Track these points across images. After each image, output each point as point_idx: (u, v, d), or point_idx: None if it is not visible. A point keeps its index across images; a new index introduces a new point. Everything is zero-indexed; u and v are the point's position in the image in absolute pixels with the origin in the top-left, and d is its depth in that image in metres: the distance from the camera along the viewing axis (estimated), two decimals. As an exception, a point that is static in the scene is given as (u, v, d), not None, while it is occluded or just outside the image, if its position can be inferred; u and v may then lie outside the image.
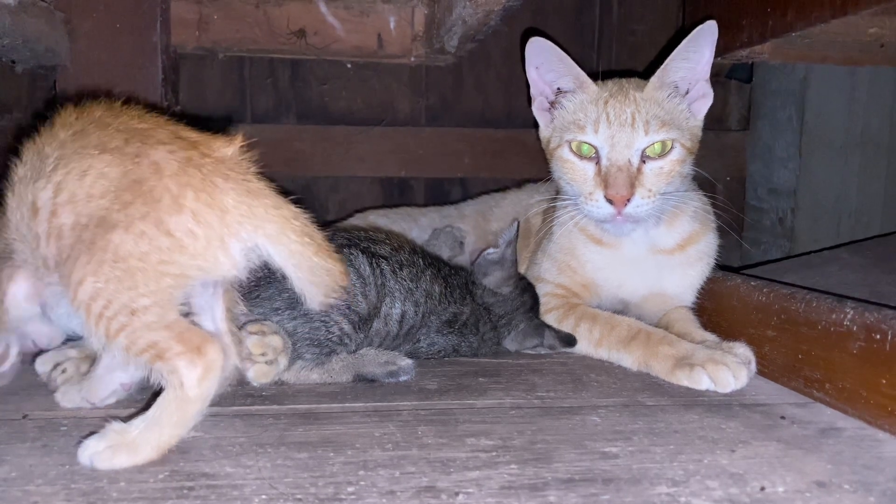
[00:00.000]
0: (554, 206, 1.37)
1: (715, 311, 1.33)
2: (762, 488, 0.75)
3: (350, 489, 0.73)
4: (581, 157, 1.25)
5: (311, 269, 0.84)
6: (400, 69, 1.99)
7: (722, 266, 1.41)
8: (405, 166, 2.01)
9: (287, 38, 1.86)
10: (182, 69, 1.88)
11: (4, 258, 0.88)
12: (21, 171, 0.84)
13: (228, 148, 0.85)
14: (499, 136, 2.03)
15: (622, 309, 1.36)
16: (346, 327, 1.09)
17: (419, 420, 0.94)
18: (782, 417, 0.98)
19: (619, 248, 1.33)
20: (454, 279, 1.25)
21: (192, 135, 0.86)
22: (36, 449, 0.83)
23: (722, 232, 1.41)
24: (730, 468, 0.80)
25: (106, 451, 0.77)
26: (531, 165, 1.88)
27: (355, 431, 0.90)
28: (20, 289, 0.88)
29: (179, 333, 0.78)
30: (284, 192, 0.87)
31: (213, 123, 0.94)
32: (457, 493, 0.73)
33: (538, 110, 1.36)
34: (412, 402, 1.01)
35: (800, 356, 1.08)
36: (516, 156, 2.01)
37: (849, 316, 0.98)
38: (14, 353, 0.95)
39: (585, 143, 1.24)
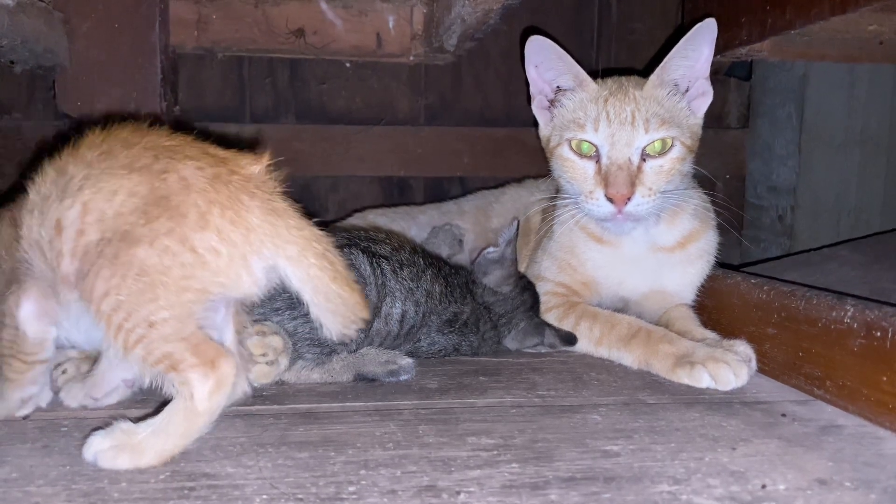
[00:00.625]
0: (554, 205, 1.37)
1: (715, 309, 1.33)
2: (763, 486, 0.75)
3: (351, 488, 0.73)
4: (581, 155, 1.25)
5: (327, 296, 0.84)
6: (399, 68, 1.99)
7: (722, 264, 1.41)
8: (404, 166, 2.00)
9: (286, 37, 1.86)
10: (181, 69, 1.87)
11: (11, 280, 0.88)
12: (43, 189, 0.84)
13: (255, 165, 0.86)
14: (498, 135, 2.03)
15: (622, 307, 1.36)
16: None
17: (420, 419, 0.94)
18: (783, 415, 0.98)
19: (620, 246, 1.33)
20: (454, 278, 1.25)
21: (220, 152, 0.87)
22: (37, 450, 0.83)
23: (722, 230, 1.41)
24: (731, 466, 0.80)
25: (110, 451, 0.77)
26: (531, 164, 1.88)
27: (356, 431, 0.90)
28: (30, 310, 0.88)
29: (195, 346, 0.78)
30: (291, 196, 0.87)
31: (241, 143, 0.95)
32: (458, 493, 0.73)
33: (538, 109, 1.36)
34: (413, 402, 1.01)
35: (800, 354, 1.08)
36: (516, 155, 2.01)
37: (849, 313, 0.98)
38: (34, 402, 0.95)
39: (585, 141, 1.24)
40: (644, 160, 1.22)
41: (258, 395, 1.03)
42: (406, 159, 2.00)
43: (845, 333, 0.99)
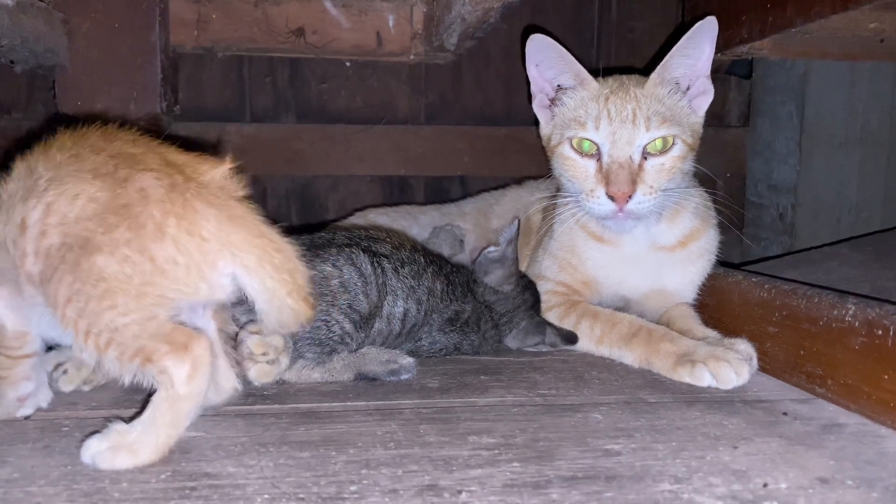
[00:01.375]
0: (554, 204, 1.36)
1: (716, 308, 1.33)
2: (765, 485, 0.75)
3: (352, 488, 0.73)
4: (582, 154, 1.25)
5: (280, 309, 0.84)
6: (399, 67, 1.99)
7: (723, 262, 1.41)
8: (405, 165, 2.00)
9: (286, 36, 1.86)
10: (181, 69, 1.87)
11: None
12: (11, 186, 0.84)
13: (216, 171, 0.85)
14: (499, 133, 2.02)
15: (623, 306, 1.35)
16: (348, 326, 1.09)
17: (421, 418, 0.94)
18: (784, 414, 0.98)
19: (620, 245, 1.33)
20: (455, 277, 1.25)
21: (181, 158, 0.86)
22: (38, 450, 0.83)
23: (722, 228, 1.41)
24: (732, 465, 0.80)
25: (108, 452, 0.78)
26: (531, 163, 1.88)
27: (357, 430, 0.90)
28: (3, 304, 0.88)
29: (166, 334, 0.79)
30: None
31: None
32: (459, 492, 0.73)
33: (538, 107, 1.36)
34: (414, 401, 1.01)
35: (801, 352, 1.08)
36: (516, 154, 2.01)
37: (850, 312, 0.98)
38: (33, 401, 0.95)
39: (586, 139, 1.24)
40: (645, 158, 1.21)
41: (259, 395, 1.03)
42: (406, 158, 2.00)
43: (847, 332, 0.99)
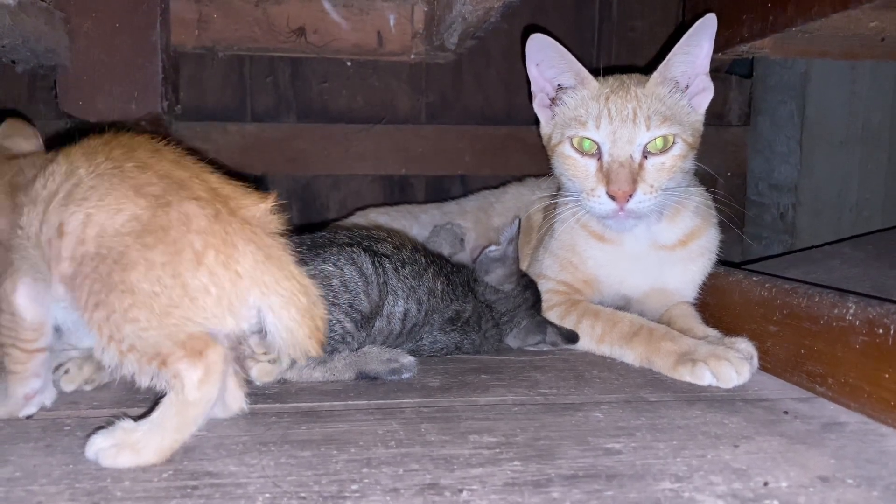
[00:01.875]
0: (555, 203, 1.37)
1: (717, 307, 1.33)
2: (765, 483, 0.75)
3: (354, 487, 0.73)
4: (582, 153, 1.25)
5: (295, 347, 0.86)
6: (400, 67, 1.99)
7: (723, 261, 1.41)
8: (405, 164, 2.00)
9: (287, 36, 1.86)
10: (182, 68, 1.87)
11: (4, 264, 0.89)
12: (51, 184, 0.85)
13: (259, 205, 0.88)
14: (499, 133, 2.03)
15: (624, 305, 1.36)
16: (349, 325, 1.09)
17: (422, 417, 0.94)
18: (785, 412, 0.98)
19: (621, 244, 1.33)
20: (456, 277, 1.25)
21: (227, 188, 0.88)
22: (39, 449, 0.83)
23: (723, 227, 1.41)
24: (733, 463, 0.80)
25: (111, 449, 0.78)
26: (532, 162, 1.88)
27: (358, 429, 0.90)
28: (27, 294, 0.88)
29: (183, 341, 0.80)
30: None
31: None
32: (460, 490, 0.73)
33: (539, 107, 1.36)
34: (415, 400, 1.01)
35: (802, 351, 1.08)
36: (517, 153, 2.01)
37: (851, 311, 0.98)
38: (38, 400, 0.95)
39: (587, 139, 1.24)
40: (646, 157, 1.21)
41: (260, 394, 1.03)
42: (407, 158, 2.00)
43: (847, 331, 0.99)
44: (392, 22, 1.88)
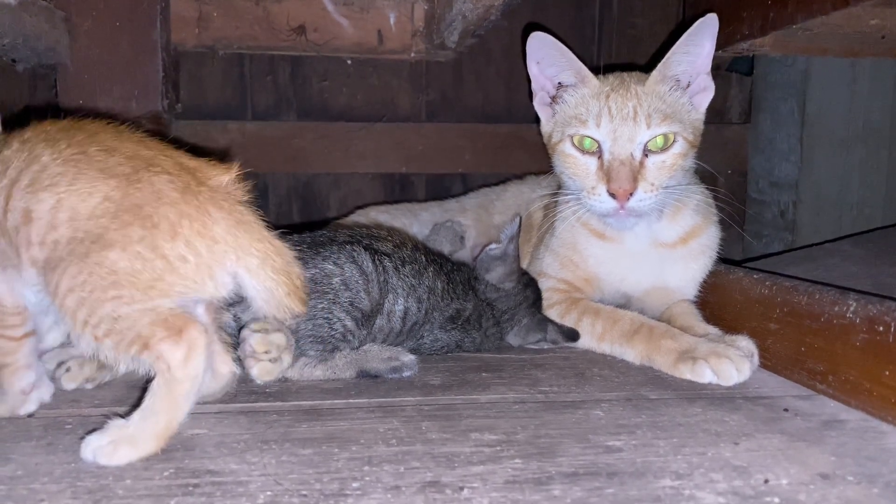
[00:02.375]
0: (556, 201, 1.37)
1: (718, 305, 1.33)
2: (766, 481, 0.75)
3: (355, 485, 0.74)
4: (583, 151, 1.25)
5: (278, 306, 0.88)
6: (400, 65, 1.99)
7: (724, 259, 1.41)
8: (406, 163, 2.01)
9: (287, 34, 1.86)
10: (182, 67, 1.88)
11: None
12: (11, 172, 0.84)
13: (224, 176, 0.89)
14: (500, 131, 2.03)
15: (625, 303, 1.36)
16: (349, 324, 1.09)
17: (423, 415, 0.94)
18: (785, 410, 0.98)
19: (622, 242, 1.33)
20: (456, 275, 1.25)
21: (192, 162, 0.90)
22: (41, 447, 0.83)
23: (724, 225, 1.41)
24: (733, 461, 0.80)
25: (108, 446, 0.78)
26: (532, 161, 1.88)
27: (359, 427, 0.90)
28: (1, 282, 0.88)
29: (163, 320, 0.80)
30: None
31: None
32: (461, 488, 0.73)
33: (539, 105, 1.36)
34: (416, 398, 1.02)
35: (803, 349, 1.08)
36: (517, 151, 2.01)
37: (852, 308, 0.98)
38: (36, 396, 0.95)
39: (587, 137, 1.24)
40: (646, 156, 1.21)
41: (261, 392, 1.03)
42: (407, 156, 2.00)
43: (848, 328, 0.99)
44: (392, 20, 1.88)
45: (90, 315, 0.79)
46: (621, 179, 1.19)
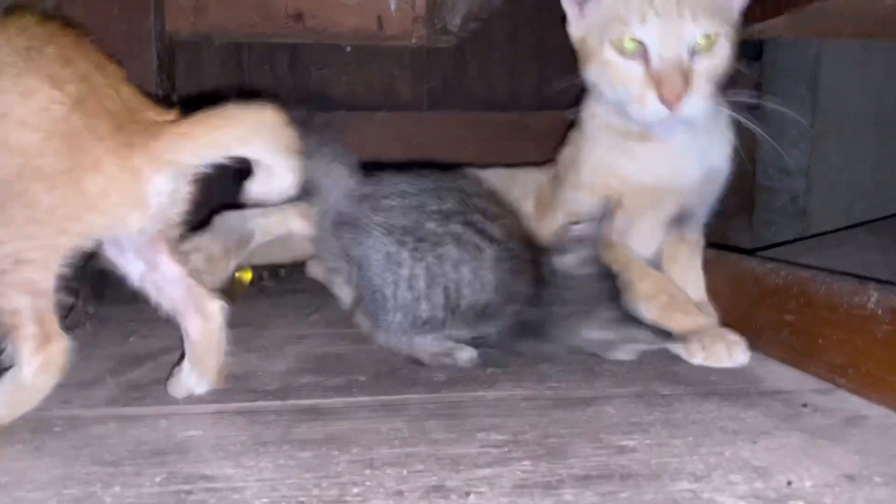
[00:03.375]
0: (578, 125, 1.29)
1: (731, 296, 1.29)
2: (789, 482, 0.72)
3: (355, 490, 0.70)
4: (624, 55, 1.15)
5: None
6: (401, 52, 1.95)
7: (735, 248, 1.37)
8: (407, 152, 1.97)
9: (285, 21, 1.82)
10: (178, 56, 1.84)
11: None
12: None
13: (164, 115, 0.88)
14: (504, 119, 1.98)
15: (676, 210, 1.29)
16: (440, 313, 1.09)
17: (427, 414, 0.91)
18: (804, 405, 0.94)
19: (669, 141, 1.23)
20: (524, 258, 1.14)
21: (136, 100, 0.89)
22: (27, 452, 0.79)
23: (734, 212, 1.37)
24: (752, 461, 0.77)
25: None
26: (537, 150, 1.83)
27: (361, 427, 0.86)
28: None
29: (42, 313, 0.77)
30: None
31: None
32: (468, 493, 0.69)
33: (568, 3, 1.24)
34: (420, 395, 0.98)
35: (820, 341, 1.04)
36: (522, 140, 1.97)
37: (873, 298, 0.94)
38: None
39: (631, 38, 1.13)
40: (692, 57, 1.13)
41: (261, 391, 1.00)
42: (409, 145, 1.96)
43: (869, 319, 0.95)
44: (393, 5, 1.84)
45: None
46: (673, 83, 1.10)
